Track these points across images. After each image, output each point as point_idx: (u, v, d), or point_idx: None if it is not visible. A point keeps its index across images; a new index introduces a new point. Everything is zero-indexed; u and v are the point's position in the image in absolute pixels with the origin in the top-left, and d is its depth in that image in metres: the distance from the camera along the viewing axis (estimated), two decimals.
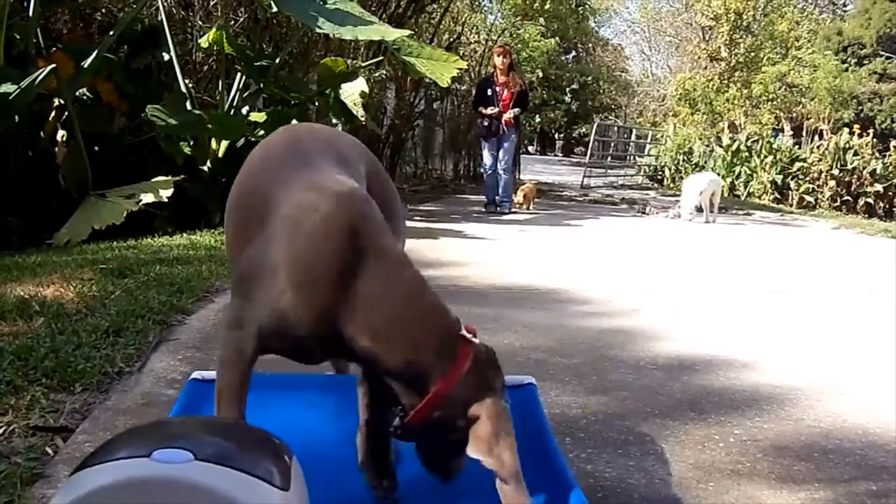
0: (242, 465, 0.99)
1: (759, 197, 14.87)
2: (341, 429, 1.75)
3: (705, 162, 17.27)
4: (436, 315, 1.36)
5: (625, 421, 2.26)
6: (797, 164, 14.77)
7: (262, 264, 1.33)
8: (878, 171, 14.24)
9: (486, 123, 9.42)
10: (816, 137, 18.19)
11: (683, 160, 18.17)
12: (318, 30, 5.86)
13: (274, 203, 1.40)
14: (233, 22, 8.05)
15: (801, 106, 24.21)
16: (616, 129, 26.26)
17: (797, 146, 17.49)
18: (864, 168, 14.24)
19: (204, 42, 6.55)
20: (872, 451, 2.13)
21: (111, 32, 5.90)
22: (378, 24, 6.45)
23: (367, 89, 6.85)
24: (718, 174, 12.71)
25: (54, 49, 6.00)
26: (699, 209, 9.59)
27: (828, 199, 14.19)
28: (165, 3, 6.86)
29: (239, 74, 6.92)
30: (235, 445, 1.05)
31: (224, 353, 1.38)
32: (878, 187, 14.17)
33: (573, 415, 2.27)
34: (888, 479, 1.95)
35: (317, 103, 7.62)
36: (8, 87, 5.04)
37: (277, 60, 7.01)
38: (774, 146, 15.58)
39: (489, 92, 9.37)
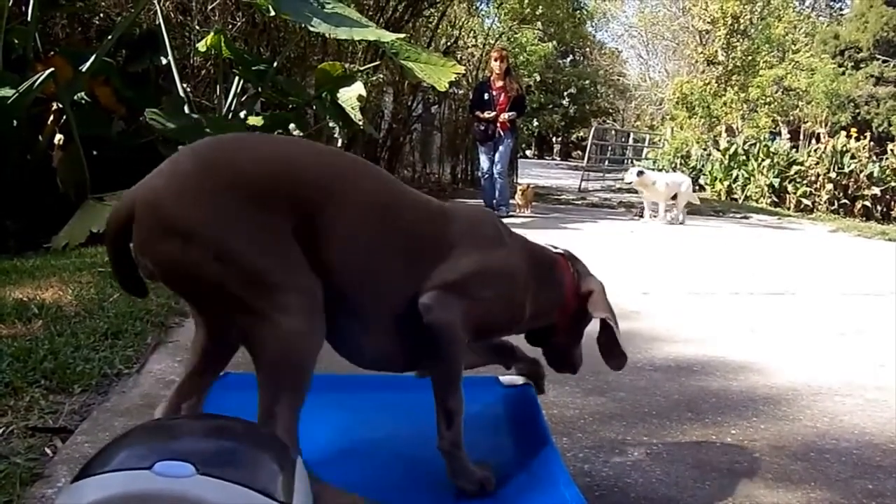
0: (244, 478, 0.99)
1: (757, 200, 14.89)
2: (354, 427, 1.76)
3: (703, 166, 17.31)
4: (537, 254, 1.78)
5: (622, 421, 2.26)
6: (794, 168, 14.80)
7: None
8: (875, 175, 14.27)
9: (482, 127, 9.43)
10: (813, 141, 18.29)
11: (681, 164, 18.21)
12: (313, 29, 5.87)
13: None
14: (230, 26, 8.07)
15: (798, 109, 24.29)
16: (614, 132, 26.32)
17: (794, 149, 17.54)
18: (861, 171, 14.27)
19: (202, 46, 6.56)
20: (869, 451, 2.14)
21: (109, 37, 5.91)
22: (374, 28, 6.46)
23: (364, 93, 6.85)
24: (692, 175, 12.75)
25: (52, 53, 5.99)
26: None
27: (825, 203, 14.21)
28: (163, 8, 6.87)
29: (237, 78, 6.92)
30: (238, 455, 1.04)
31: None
32: (876, 190, 14.20)
33: (570, 415, 2.28)
34: (884, 477, 1.96)
35: (314, 107, 7.63)
36: (6, 91, 5.04)
37: (275, 64, 7.02)
38: (772, 149, 15.61)
39: (486, 96, 9.39)
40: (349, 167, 1.52)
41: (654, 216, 10.01)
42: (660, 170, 16.16)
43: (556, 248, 1.85)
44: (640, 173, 9.99)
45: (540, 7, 16.45)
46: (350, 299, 1.45)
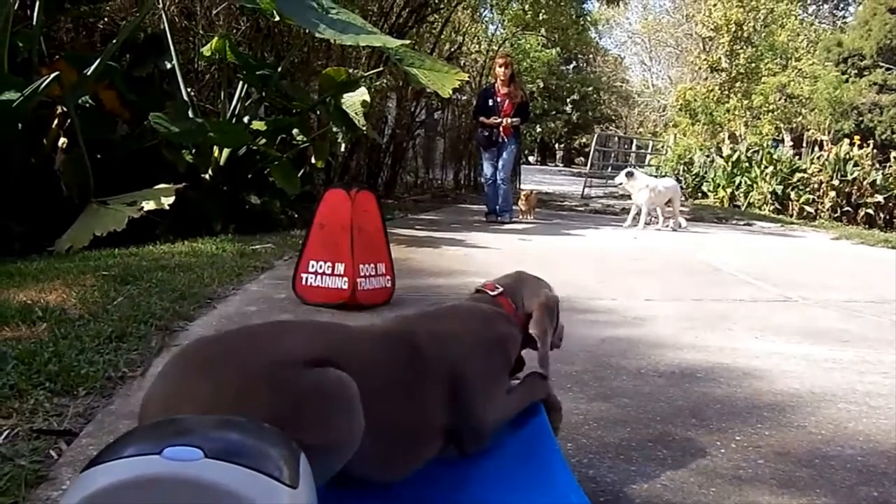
0: (252, 462, 1.00)
1: (760, 207, 14.89)
2: None
3: (706, 172, 17.32)
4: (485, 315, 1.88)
5: (626, 427, 2.26)
6: (797, 175, 14.81)
7: None
8: (878, 182, 14.26)
9: (486, 133, 9.45)
10: (816, 148, 18.27)
11: (684, 170, 18.22)
12: (319, 35, 5.88)
13: None
14: (235, 31, 8.09)
15: (801, 117, 24.28)
16: (616, 139, 26.36)
17: (797, 157, 17.54)
18: (864, 179, 14.27)
19: (206, 51, 6.58)
20: (874, 458, 2.13)
21: (114, 41, 5.92)
22: (379, 34, 6.48)
23: (368, 98, 6.87)
24: (679, 180, 12.69)
25: (57, 57, 6.02)
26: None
27: (828, 210, 14.22)
28: (168, 12, 6.89)
29: (241, 83, 6.94)
30: (245, 443, 1.05)
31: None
32: (879, 198, 14.19)
33: (575, 421, 2.27)
34: (889, 485, 1.95)
35: (318, 112, 7.64)
36: (11, 95, 5.06)
37: (279, 69, 7.03)
38: (775, 157, 15.62)
39: (490, 102, 9.40)
40: (343, 329, 1.64)
41: (655, 222, 10.03)
42: (663, 175, 16.19)
43: (496, 286, 1.99)
44: (629, 174, 9.92)
45: (543, 13, 16.46)
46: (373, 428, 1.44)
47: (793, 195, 14.64)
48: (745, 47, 22.86)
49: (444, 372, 1.64)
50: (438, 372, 1.63)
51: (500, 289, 1.97)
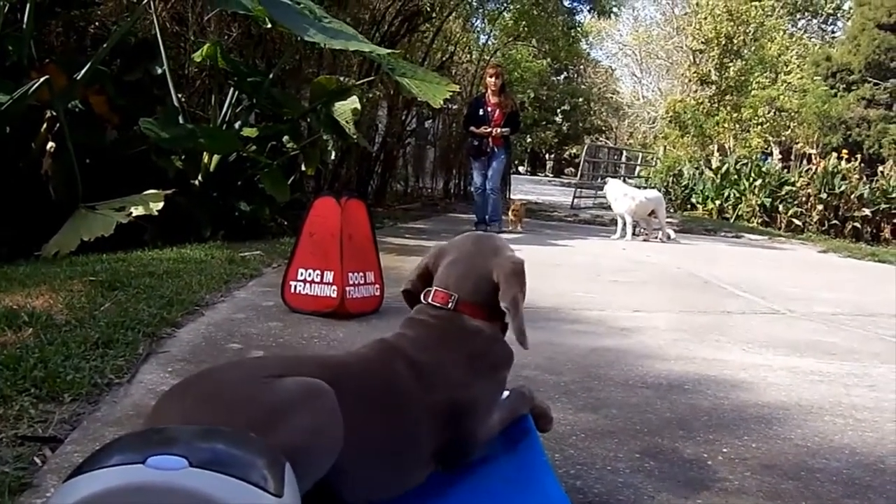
0: (237, 471, 0.99)
1: (748, 220, 14.97)
2: None
3: (695, 184, 17.40)
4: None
5: (614, 438, 2.26)
6: (785, 188, 14.90)
7: None
8: (865, 196, 14.37)
9: (476, 143, 9.45)
10: (805, 161, 18.38)
11: (673, 182, 18.29)
12: (309, 39, 5.88)
13: None
14: (226, 37, 8.08)
15: (789, 130, 24.40)
16: (606, 150, 26.42)
17: (786, 170, 17.65)
18: (851, 192, 14.37)
19: (197, 56, 6.57)
20: (859, 471, 2.14)
21: (104, 45, 5.91)
22: (369, 43, 6.49)
23: (359, 107, 6.86)
24: (660, 191, 12.66)
25: (47, 61, 6.00)
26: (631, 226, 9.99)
27: (815, 223, 14.30)
28: (159, 17, 6.88)
29: (232, 89, 6.93)
30: (230, 452, 1.05)
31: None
32: (866, 212, 14.29)
33: (562, 431, 2.27)
34: (874, 497, 1.96)
35: (308, 119, 7.65)
36: (1, 98, 5.04)
37: (270, 76, 7.03)
38: (763, 169, 15.72)
39: (481, 112, 9.41)
40: (325, 357, 1.75)
41: (645, 232, 10.06)
42: (652, 187, 16.26)
43: (449, 296, 1.78)
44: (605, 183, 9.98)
45: (525, 24, 16.52)
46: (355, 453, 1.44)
47: (781, 208, 14.72)
48: (734, 60, 22.97)
49: (433, 403, 1.60)
50: (427, 402, 1.60)
51: (454, 296, 1.77)
